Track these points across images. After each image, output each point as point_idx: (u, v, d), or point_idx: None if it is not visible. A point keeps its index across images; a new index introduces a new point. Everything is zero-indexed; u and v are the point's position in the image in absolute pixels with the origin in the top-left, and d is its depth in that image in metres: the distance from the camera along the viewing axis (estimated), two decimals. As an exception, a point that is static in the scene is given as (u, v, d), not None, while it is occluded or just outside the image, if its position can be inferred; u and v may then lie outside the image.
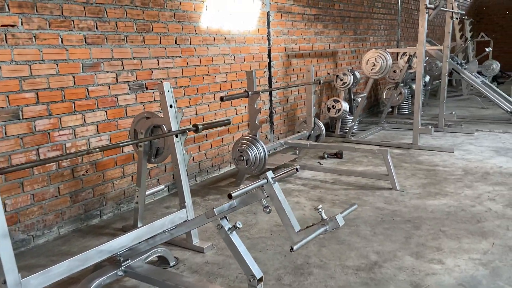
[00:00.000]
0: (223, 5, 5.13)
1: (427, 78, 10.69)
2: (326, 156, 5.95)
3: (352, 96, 7.75)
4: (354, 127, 7.49)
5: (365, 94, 6.79)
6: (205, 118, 5.01)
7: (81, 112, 3.66)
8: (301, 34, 6.78)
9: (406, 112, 9.28)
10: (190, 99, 4.77)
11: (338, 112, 7.19)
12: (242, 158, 4.47)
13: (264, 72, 6.02)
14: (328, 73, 7.73)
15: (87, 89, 3.68)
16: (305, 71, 5.63)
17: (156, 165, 4.35)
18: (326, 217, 2.19)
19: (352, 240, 3.41)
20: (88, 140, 3.73)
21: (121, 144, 2.70)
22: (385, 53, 6.30)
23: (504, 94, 8.52)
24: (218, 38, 5.10)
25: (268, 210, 2.17)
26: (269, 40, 6.02)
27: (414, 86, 9.52)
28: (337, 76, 7.25)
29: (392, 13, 10.26)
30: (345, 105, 7.19)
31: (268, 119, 6.22)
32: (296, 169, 2.26)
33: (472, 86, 8.78)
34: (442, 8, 6.03)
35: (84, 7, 3.61)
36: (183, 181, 3.23)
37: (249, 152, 4.44)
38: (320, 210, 2.16)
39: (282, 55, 6.38)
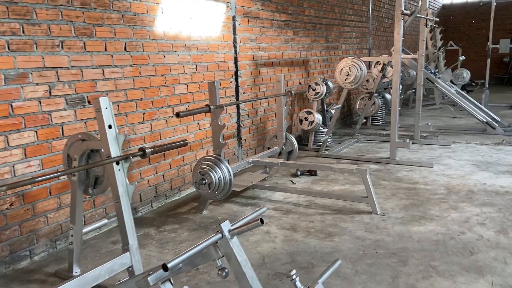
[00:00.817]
0: (182, 8, 4.58)
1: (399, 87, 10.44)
2: (299, 173, 5.45)
3: (325, 107, 7.31)
4: (328, 140, 7.04)
5: (340, 105, 6.36)
6: (162, 135, 4.42)
7: (3, 133, 3.01)
8: (270, 41, 6.30)
9: (381, 123, 8.95)
10: (143, 113, 4.17)
11: (311, 124, 6.74)
12: (204, 181, 3.90)
13: (231, 82, 5.48)
14: (300, 83, 7.28)
15: (11, 105, 3.04)
16: (275, 81, 5.13)
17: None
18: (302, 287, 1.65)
19: (331, 282, 2.89)
20: (13, 167, 3.08)
21: (38, 179, 2.09)
22: (359, 62, 5.90)
23: (477, 103, 8.30)
24: (177, 45, 4.54)
25: (224, 273, 1.62)
26: (235, 47, 5.50)
27: (388, 95, 9.25)
28: (309, 86, 6.81)
29: (363, 21, 9.96)
30: (318, 117, 6.75)
31: (236, 133, 5.69)
32: (261, 220, 1.72)
33: (446, 96, 8.53)
34: (418, 15, 5.67)
35: (7, 7, 2.98)
36: (126, 218, 2.63)
37: (212, 175, 3.88)
38: (294, 277, 1.63)
39: (250, 64, 5.87)
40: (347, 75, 5.94)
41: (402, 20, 5.57)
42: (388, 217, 4.02)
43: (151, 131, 4.28)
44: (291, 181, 5.25)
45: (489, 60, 11.49)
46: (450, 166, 5.71)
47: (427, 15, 6.68)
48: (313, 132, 6.95)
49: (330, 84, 7.14)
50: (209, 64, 5.05)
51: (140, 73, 4.09)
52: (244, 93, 5.78)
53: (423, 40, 6.89)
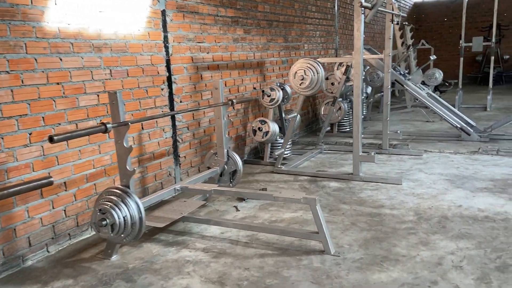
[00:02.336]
0: (88, -1, 3.67)
1: (369, 90, 9.74)
2: (246, 197, 4.61)
3: (283, 115, 6.49)
4: (286, 151, 6.22)
5: (295, 114, 5.54)
6: (60, 159, 3.49)
7: None
8: (214, 40, 5.43)
9: (348, 129, 8.18)
10: (30, 134, 3.24)
11: (266, 135, 5.90)
12: (104, 222, 3.00)
13: (162, 89, 4.59)
14: (255, 88, 6.43)
15: None
16: (213, 88, 4.27)
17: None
18: None
19: None
20: None
21: None
22: (315, 63, 5.09)
23: (451, 107, 7.63)
24: (80, 45, 3.62)
25: None
26: (166, 47, 4.61)
27: (355, 99, 8.50)
28: (263, 91, 5.97)
29: (328, 18, 9.20)
30: (274, 127, 5.91)
31: (171, 150, 4.79)
32: None
33: (416, 99, 7.83)
34: (380, 9, 4.91)
35: None
36: None
37: (115, 214, 2.98)
38: None
39: (189, 67, 4.99)
40: (302, 79, 5.12)
41: (363, 15, 4.79)
42: (343, 258, 3.20)
43: (43, 156, 3.34)
44: (235, 206, 4.40)
45: (462, 59, 10.93)
46: (421, 183, 4.95)
47: (392, 9, 5.94)
48: (269, 144, 6.12)
49: (288, 89, 6.32)
50: (130, 68, 4.15)
51: (22, 81, 3.16)
52: (181, 102, 4.89)
53: (389, 38, 6.14)
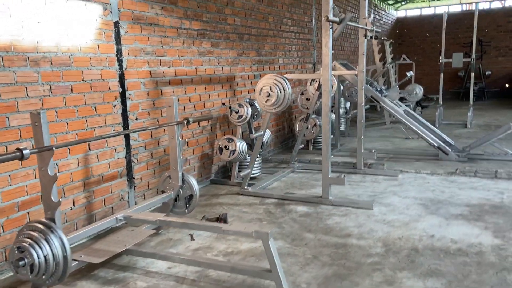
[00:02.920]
0: (22, 7, 3.32)
1: (348, 105, 9.52)
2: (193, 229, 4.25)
3: (253, 132, 6.18)
4: (255, 171, 5.90)
5: (261, 132, 5.21)
6: (-16, 186, 3.11)
7: None
8: (177, 54, 5.11)
9: (324, 146, 7.89)
10: None
11: (233, 154, 5.56)
12: (22, 262, 2.62)
13: (114, 106, 4.24)
14: (223, 104, 6.11)
15: None
16: (166, 106, 3.92)
17: None
18: None
19: None
20: None
21: None
22: (282, 80, 4.79)
23: (429, 125, 7.39)
24: (12, 58, 3.26)
25: None
26: (120, 61, 4.27)
27: (332, 115, 8.26)
28: (230, 108, 5.65)
29: (305, 32, 8.97)
30: (241, 145, 5.58)
31: (125, 172, 4.42)
32: None
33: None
34: (351, 23, 4.65)
35: None
36: None
37: (34, 252, 2.60)
38: None
39: (147, 82, 4.65)
40: (268, 96, 4.82)
41: (331, 29, 4.52)
42: (298, 301, 2.86)
43: (-39, 183, 2.96)
44: (191, 235, 4.03)
45: (442, 75, 10.80)
46: (394, 208, 4.65)
47: (366, 25, 5.69)
48: (237, 163, 5.78)
49: (258, 105, 6.02)
50: (75, 83, 3.79)
51: None
52: (137, 119, 4.54)
53: (362, 54, 5.89)
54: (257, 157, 6.01)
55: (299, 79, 8.49)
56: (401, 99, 11.67)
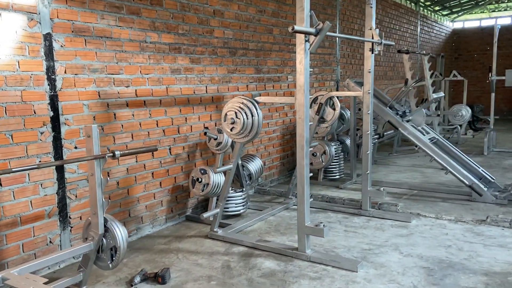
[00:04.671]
0: None
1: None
2: (138, 280, 3.48)
3: (239, 162, 5.34)
4: (239, 207, 5.05)
5: (230, 166, 4.34)
6: None
7: None
8: (139, 71, 4.43)
9: (337, 177, 6.86)
10: None
11: (205, 187, 4.75)
12: None
13: (42, 133, 3.61)
14: (207, 128, 5.33)
15: None
16: (85, 136, 3.21)
17: None
18: None
19: None
20: None
21: None
22: (251, 103, 3.92)
23: (465, 157, 6.12)
24: None
25: None
26: (52, 80, 3.65)
27: (348, 140, 7.24)
28: (206, 133, 4.86)
29: (326, 46, 8.02)
30: (215, 177, 4.76)
31: (56, 210, 3.76)
32: None
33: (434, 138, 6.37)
34: (330, 34, 3.70)
35: None
36: None
37: None
38: None
39: (93, 104, 4.00)
40: (233, 123, 3.96)
41: (307, 42, 3.61)
42: None
43: None
44: (132, 285, 3.27)
45: (493, 94, 9.34)
46: (386, 271, 3.59)
47: (372, 37, 4.68)
48: (215, 198, 4.96)
49: (244, 130, 5.19)
50: (-21, 108, 3.21)
51: None
52: (76, 148, 3.88)
53: (368, 71, 4.88)
54: (241, 191, 5.16)
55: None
56: (448, 122, 10.28)
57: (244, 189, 5.29)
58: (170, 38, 4.76)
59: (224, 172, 4.57)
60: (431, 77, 10.20)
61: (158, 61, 4.63)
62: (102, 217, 3.27)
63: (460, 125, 10.60)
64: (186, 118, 5.05)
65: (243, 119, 3.91)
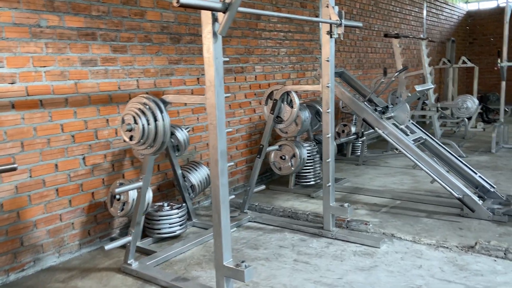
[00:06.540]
0: None
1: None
2: None
3: (177, 171, 4.44)
4: (175, 228, 4.18)
5: (140, 184, 3.43)
6: None
7: None
8: (31, 63, 3.55)
9: (312, 182, 5.89)
10: None
11: (125, 206, 3.87)
12: None
13: None
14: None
15: None
16: None
17: None
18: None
19: None
20: None
21: None
22: (154, 104, 3.00)
23: (459, 161, 5.07)
24: None
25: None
26: None
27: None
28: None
29: (305, 31, 7.00)
30: (135, 194, 3.87)
31: None
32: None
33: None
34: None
35: None
36: None
37: None
38: None
39: (-40, 108, 3.14)
40: (130, 130, 3.05)
41: (216, 23, 2.66)
42: None
43: None
44: None
45: (503, 83, 8.21)
46: (322, 331, 2.66)
47: (330, 18, 3.67)
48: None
49: (181, 134, 4.30)
50: None
51: None
52: None
53: (326, 60, 3.87)
54: (179, 207, 4.27)
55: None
56: (452, 115, 9.12)
57: (184, 204, 4.41)
58: (79, 22, 3.85)
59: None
60: (438, 64, 9.06)
61: (61, 50, 3.74)
62: None
63: (470, 118, 9.45)
64: (108, 120, 4.16)
65: (142, 125, 2.99)
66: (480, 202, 4.39)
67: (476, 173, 4.95)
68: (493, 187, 4.85)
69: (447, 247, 3.76)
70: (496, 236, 3.93)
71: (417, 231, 4.16)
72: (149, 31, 4.49)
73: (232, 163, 3.11)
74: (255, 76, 6.01)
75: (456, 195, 4.41)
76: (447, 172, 4.73)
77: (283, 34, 6.48)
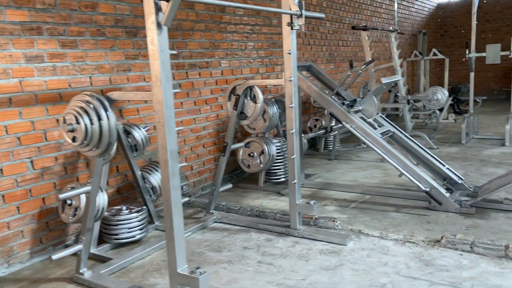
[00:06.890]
0: None
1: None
2: None
3: (136, 172, 4.23)
4: (135, 232, 3.96)
5: (88, 188, 3.22)
6: None
7: None
8: (-31, 61, 3.28)
9: (283, 179, 5.74)
10: None
11: (77, 212, 3.64)
12: None
13: None
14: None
15: None
16: None
17: None
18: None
19: None
20: None
21: None
22: (98, 102, 2.78)
23: (427, 153, 5.00)
24: None
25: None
26: None
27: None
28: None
29: (273, 24, 6.83)
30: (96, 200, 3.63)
31: None
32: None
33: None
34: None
35: None
36: None
37: None
38: None
39: None
40: (72, 131, 2.84)
41: (160, 12, 2.47)
42: None
43: None
44: None
45: (472, 74, 8.22)
46: (281, 338, 2.51)
47: (290, 8, 3.51)
48: (95, 224, 3.85)
49: (139, 133, 4.09)
50: None
51: None
52: None
53: (288, 53, 3.72)
54: (139, 210, 4.06)
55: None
56: (424, 107, 9.12)
57: (145, 207, 4.20)
58: (23, 16, 3.59)
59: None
60: (410, 56, 9.03)
61: (2, 47, 3.47)
62: None
63: (441, 109, 9.49)
64: (58, 120, 3.90)
65: (85, 124, 2.78)
66: (447, 194, 4.32)
67: (444, 165, 4.89)
68: (461, 179, 4.80)
69: (414, 242, 3.67)
70: (463, 229, 3.86)
71: (384, 226, 4.06)
72: (102, 24, 4.24)
73: (185, 164, 2.92)
74: (221, 71, 5.82)
75: (423, 188, 4.33)
76: (415, 165, 4.66)
77: (250, 27, 6.31)
